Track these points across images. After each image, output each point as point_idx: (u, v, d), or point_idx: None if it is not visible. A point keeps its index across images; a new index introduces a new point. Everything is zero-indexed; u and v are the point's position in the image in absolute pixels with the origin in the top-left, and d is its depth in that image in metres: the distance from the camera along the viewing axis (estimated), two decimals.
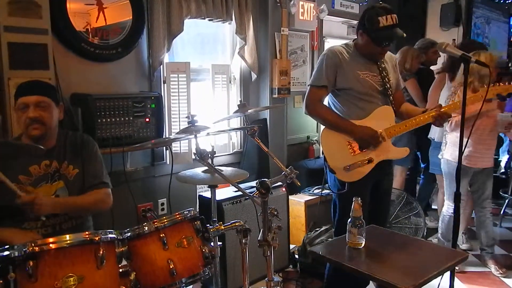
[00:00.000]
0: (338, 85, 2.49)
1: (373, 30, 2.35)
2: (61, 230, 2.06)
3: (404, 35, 2.36)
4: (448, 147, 3.36)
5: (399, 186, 4.13)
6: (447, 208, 3.45)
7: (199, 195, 3.21)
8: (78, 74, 2.85)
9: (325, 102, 2.64)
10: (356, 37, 2.54)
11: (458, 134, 3.17)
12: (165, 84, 3.22)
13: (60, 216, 2.07)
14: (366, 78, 2.46)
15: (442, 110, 2.42)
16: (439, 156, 3.48)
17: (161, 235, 1.62)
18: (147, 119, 2.90)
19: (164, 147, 3.26)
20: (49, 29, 2.53)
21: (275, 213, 1.82)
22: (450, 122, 3.23)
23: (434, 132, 3.86)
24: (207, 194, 2.91)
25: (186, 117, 1.82)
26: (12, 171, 1.97)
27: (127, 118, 2.81)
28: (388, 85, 2.50)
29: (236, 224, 1.90)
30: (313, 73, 2.57)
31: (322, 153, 2.57)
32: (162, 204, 3.35)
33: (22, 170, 2.01)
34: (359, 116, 2.48)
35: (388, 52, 2.59)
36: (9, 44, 2.39)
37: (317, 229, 3.44)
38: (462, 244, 3.84)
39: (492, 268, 3.45)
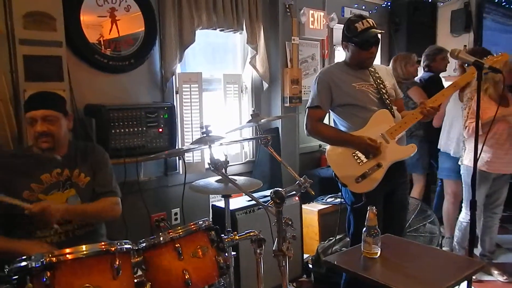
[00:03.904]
0: (336, 102, 2.55)
1: (355, 36, 2.46)
2: (74, 237, 2.07)
3: (382, 31, 2.49)
4: (467, 153, 3.32)
5: (418, 195, 4.07)
6: (465, 215, 3.40)
7: (212, 204, 3.21)
8: (92, 85, 2.88)
9: (331, 122, 2.72)
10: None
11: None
12: (178, 94, 3.24)
13: (73, 223, 2.08)
14: (362, 88, 2.52)
15: (427, 106, 2.44)
16: (459, 163, 3.43)
17: (176, 245, 1.62)
18: (160, 129, 2.92)
19: (177, 157, 3.28)
20: (63, 41, 2.57)
21: (290, 222, 1.81)
22: (467, 128, 3.20)
23: (440, 144, 3.80)
24: (220, 203, 2.91)
25: (200, 128, 1.83)
26: (24, 180, 2.00)
27: (140, 129, 2.83)
28: (384, 91, 2.53)
29: (251, 234, 1.88)
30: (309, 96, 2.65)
31: (333, 173, 2.57)
32: (175, 213, 3.35)
33: (34, 179, 2.03)
34: (362, 126, 2.51)
35: (381, 65, 2.74)
36: (24, 56, 2.43)
37: (331, 238, 3.41)
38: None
39: (495, 274, 3.42)
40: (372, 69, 2.58)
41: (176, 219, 3.35)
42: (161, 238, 1.62)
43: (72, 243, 1.91)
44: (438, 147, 3.79)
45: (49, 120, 2.02)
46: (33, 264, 1.32)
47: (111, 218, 2.18)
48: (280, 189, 1.72)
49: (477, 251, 3.55)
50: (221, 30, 3.47)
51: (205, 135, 1.81)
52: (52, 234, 2.03)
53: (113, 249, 1.43)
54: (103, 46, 2.89)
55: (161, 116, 2.93)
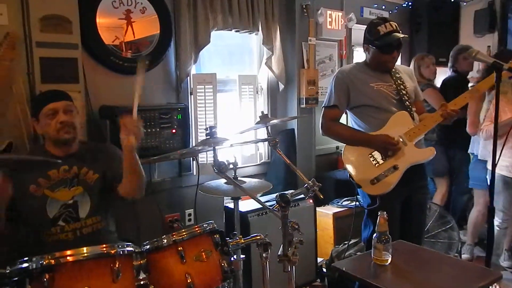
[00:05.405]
0: (354, 103, 2.52)
1: (376, 39, 2.42)
2: (81, 236, 2.08)
3: (404, 36, 2.43)
4: (489, 156, 3.21)
5: (440, 201, 3.96)
6: (495, 221, 3.26)
7: (225, 206, 3.19)
8: (107, 87, 2.91)
9: (349, 123, 2.69)
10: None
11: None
12: (192, 96, 3.24)
13: (80, 221, 2.09)
14: (380, 88, 2.48)
15: (448, 109, 2.39)
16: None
17: (179, 249, 1.61)
18: (174, 130, 2.93)
19: (191, 158, 3.28)
20: (79, 44, 2.61)
21: (296, 226, 1.78)
22: (482, 131, 3.10)
23: (473, 147, 3.63)
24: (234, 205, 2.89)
25: (205, 129, 1.82)
26: (31, 174, 2.04)
27: (153, 130, 2.84)
28: (404, 92, 2.48)
29: (257, 237, 1.87)
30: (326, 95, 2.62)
31: (348, 174, 2.52)
32: (189, 214, 3.35)
33: (41, 174, 2.06)
34: (379, 127, 2.46)
35: (403, 66, 2.71)
36: (41, 59, 2.48)
37: (346, 242, 3.35)
38: (504, 261, 3.61)
39: None
40: (393, 69, 2.54)
41: (190, 220, 3.35)
42: (164, 241, 1.62)
43: (80, 241, 1.93)
44: (473, 152, 3.63)
45: (70, 110, 2.09)
46: (33, 266, 1.33)
47: (137, 195, 2.17)
48: (286, 192, 1.70)
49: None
50: (236, 31, 3.46)
51: (209, 137, 1.80)
52: (59, 232, 2.05)
53: (113, 251, 1.43)
54: (119, 48, 2.91)
55: (175, 117, 2.94)
